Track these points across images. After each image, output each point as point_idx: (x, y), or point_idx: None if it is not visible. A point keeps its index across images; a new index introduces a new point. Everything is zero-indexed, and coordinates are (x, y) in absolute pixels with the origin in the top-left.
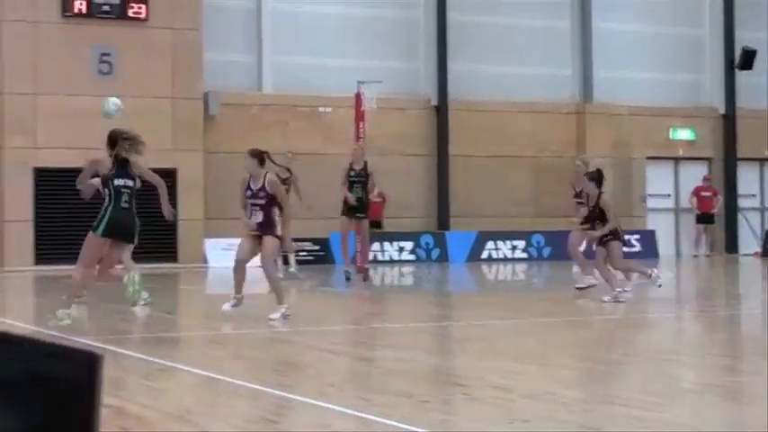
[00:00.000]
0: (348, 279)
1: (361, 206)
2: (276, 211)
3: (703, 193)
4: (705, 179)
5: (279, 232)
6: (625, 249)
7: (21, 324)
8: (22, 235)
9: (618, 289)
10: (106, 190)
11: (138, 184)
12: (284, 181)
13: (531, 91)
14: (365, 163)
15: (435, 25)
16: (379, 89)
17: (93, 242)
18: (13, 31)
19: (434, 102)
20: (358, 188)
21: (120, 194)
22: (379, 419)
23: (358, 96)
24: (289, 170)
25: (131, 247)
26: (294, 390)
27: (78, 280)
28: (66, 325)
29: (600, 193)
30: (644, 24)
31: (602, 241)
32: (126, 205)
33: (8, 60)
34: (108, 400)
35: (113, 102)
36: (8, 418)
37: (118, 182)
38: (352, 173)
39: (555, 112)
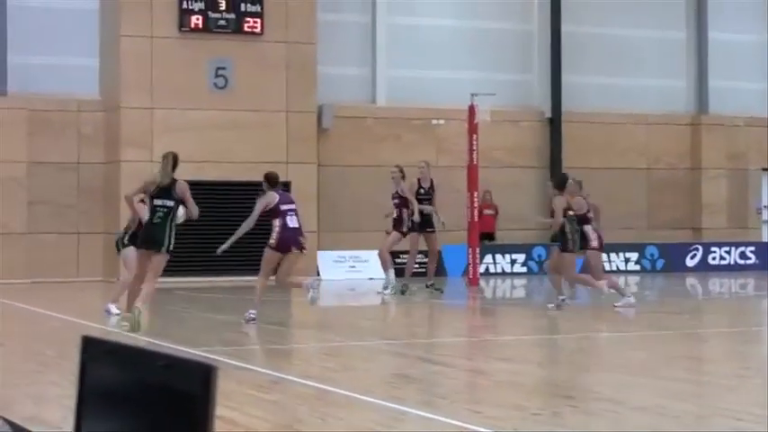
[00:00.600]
0: (403, 293)
1: (429, 221)
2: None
3: None
4: None
5: None
6: (741, 261)
7: (137, 335)
8: None
9: (560, 297)
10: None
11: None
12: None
13: (645, 102)
14: (431, 181)
15: (549, 37)
16: (492, 101)
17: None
18: (130, 47)
19: (548, 114)
20: (426, 205)
21: (154, 212)
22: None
23: (471, 109)
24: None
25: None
26: (405, 402)
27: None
28: (126, 331)
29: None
30: (760, 34)
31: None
32: (158, 221)
33: (125, 75)
34: (221, 411)
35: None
36: (123, 429)
37: (156, 201)
38: (422, 191)
39: (669, 123)
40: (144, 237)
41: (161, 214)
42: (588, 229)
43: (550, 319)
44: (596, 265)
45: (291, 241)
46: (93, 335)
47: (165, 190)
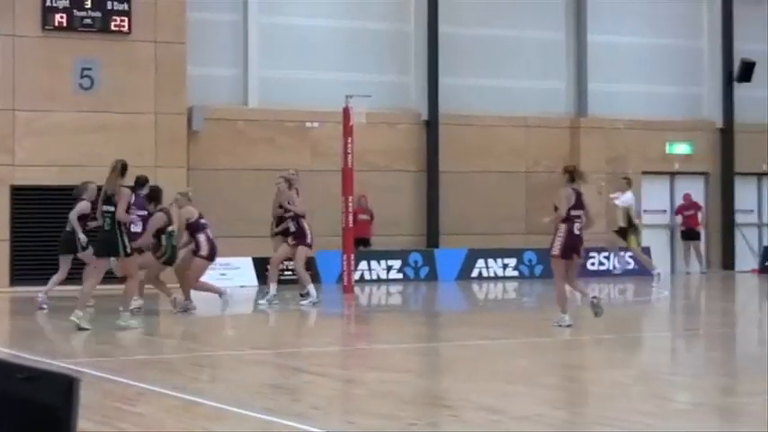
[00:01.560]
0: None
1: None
2: None
3: (686, 212)
4: (685, 197)
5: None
6: (618, 266)
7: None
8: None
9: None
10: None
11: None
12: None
13: (523, 105)
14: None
15: (426, 38)
16: (368, 103)
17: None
18: None
19: (425, 116)
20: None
21: (103, 218)
22: None
23: (346, 111)
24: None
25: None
26: (277, 413)
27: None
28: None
29: None
30: (640, 36)
31: None
32: (108, 227)
33: None
34: (83, 424)
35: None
36: None
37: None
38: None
39: (548, 126)
40: (99, 244)
41: (109, 220)
42: None
43: (428, 327)
44: None
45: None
46: None
47: (110, 198)
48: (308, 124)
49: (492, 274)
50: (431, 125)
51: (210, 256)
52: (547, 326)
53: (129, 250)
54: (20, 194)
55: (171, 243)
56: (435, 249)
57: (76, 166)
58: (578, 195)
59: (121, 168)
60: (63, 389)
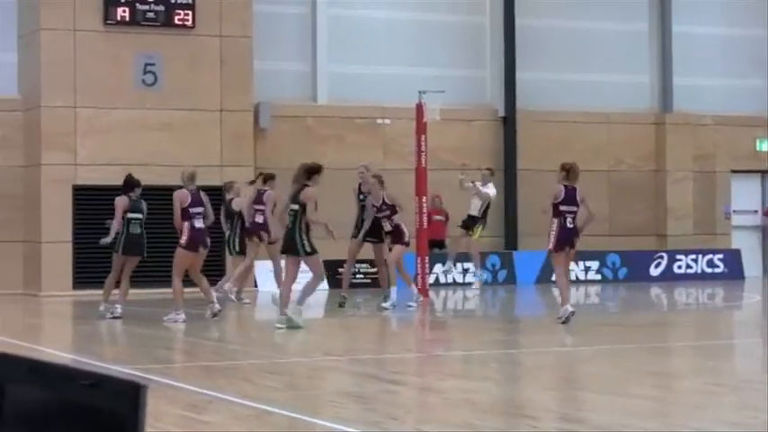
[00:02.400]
0: (341, 306)
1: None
2: None
3: None
4: None
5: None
6: (708, 270)
7: (60, 353)
8: (61, 258)
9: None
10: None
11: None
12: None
13: (605, 100)
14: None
15: (502, 30)
16: (442, 99)
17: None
18: (51, 40)
19: (502, 112)
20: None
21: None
22: None
23: (419, 107)
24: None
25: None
26: (352, 422)
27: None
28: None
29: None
30: (728, 26)
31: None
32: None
33: (46, 71)
34: None
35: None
36: None
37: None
38: (361, 197)
39: (631, 122)
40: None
41: (292, 218)
42: None
43: (506, 332)
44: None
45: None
46: (11, 352)
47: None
48: (380, 121)
49: (573, 278)
50: (508, 122)
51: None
52: (631, 332)
53: (309, 249)
54: (82, 194)
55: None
56: (514, 251)
57: (140, 165)
58: (569, 191)
59: (307, 171)
60: (129, 396)
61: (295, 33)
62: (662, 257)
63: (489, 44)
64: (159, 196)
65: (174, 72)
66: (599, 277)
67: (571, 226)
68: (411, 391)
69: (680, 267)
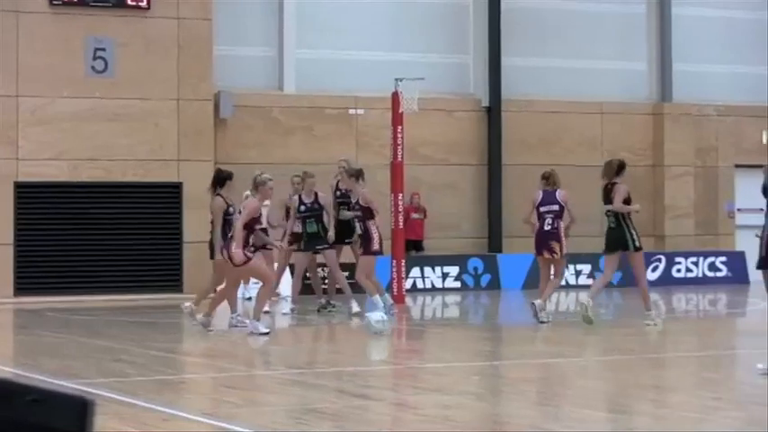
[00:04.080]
0: (319, 311)
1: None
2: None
3: None
4: None
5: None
6: (710, 274)
7: (1, 366)
8: (2, 261)
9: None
10: None
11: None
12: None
13: (599, 89)
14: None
15: (487, 12)
16: (420, 88)
17: None
18: None
19: (485, 102)
20: (345, 211)
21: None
22: None
23: (395, 96)
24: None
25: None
26: None
27: None
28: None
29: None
30: (733, 8)
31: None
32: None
33: None
34: None
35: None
36: None
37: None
38: (338, 193)
39: (628, 112)
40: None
41: (613, 218)
42: None
43: (489, 343)
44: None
45: None
46: None
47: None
48: (352, 111)
49: (563, 283)
50: (492, 112)
51: None
52: (627, 342)
53: (638, 244)
54: (25, 192)
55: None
56: (498, 254)
57: (88, 159)
58: (547, 193)
59: (618, 167)
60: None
61: (260, 15)
62: (659, 260)
63: (472, 27)
64: (110, 194)
65: (126, 58)
66: (590, 282)
67: (547, 228)
68: (383, 406)
69: (679, 271)
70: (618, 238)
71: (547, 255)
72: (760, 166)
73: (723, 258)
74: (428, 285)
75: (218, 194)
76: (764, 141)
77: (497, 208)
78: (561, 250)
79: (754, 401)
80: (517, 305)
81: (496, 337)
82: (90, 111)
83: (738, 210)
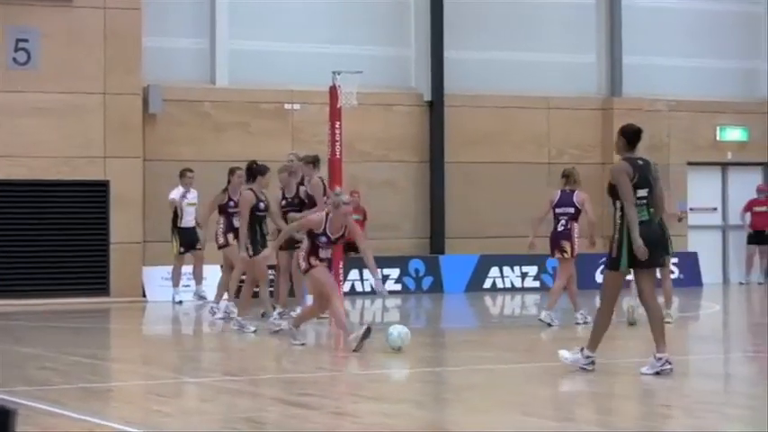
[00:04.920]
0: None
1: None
2: None
3: (757, 208)
4: (759, 190)
5: None
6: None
7: None
8: None
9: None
10: None
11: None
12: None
13: (546, 83)
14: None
15: (429, 3)
16: (359, 81)
17: None
18: None
19: (427, 96)
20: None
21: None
22: None
23: (333, 90)
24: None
25: None
26: None
27: None
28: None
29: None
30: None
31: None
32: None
33: None
34: None
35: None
36: None
37: None
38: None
39: (575, 107)
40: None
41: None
42: None
43: (431, 348)
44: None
45: None
46: None
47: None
48: (288, 106)
49: (508, 285)
50: (434, 107)
51: None
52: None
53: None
54: None
55: None
56: (440, 255)
57: (9, 156)
58: (564, 196)
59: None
60: None
61: (190, 5)
62: None
63: (414, 18)
64: (32, 193)
65: (50, 49)
66: (537, 284)
67: (561, 229)
68: (321, 415)
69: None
70: None
71: (557, 254)
72: (713, 164)
73: (675, 260)
74: (367, 288)
75: (249, 189)
76: (718, 138)
77: (440, 207)
78: (572, 250)
79: (705, 409)
80: (460, 308)
81: (438, 343)
82: (11, 105)
83: (690, 209)
